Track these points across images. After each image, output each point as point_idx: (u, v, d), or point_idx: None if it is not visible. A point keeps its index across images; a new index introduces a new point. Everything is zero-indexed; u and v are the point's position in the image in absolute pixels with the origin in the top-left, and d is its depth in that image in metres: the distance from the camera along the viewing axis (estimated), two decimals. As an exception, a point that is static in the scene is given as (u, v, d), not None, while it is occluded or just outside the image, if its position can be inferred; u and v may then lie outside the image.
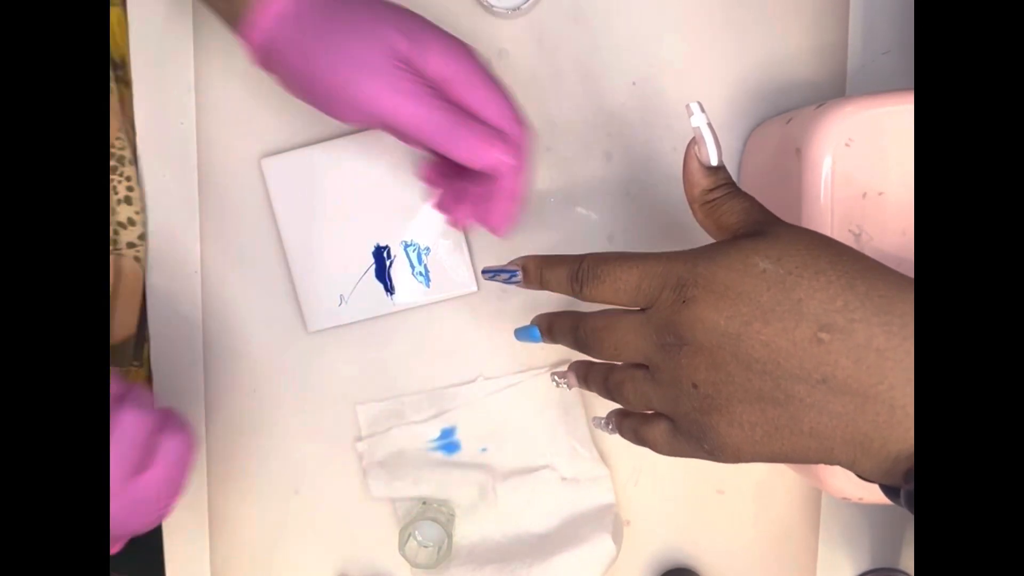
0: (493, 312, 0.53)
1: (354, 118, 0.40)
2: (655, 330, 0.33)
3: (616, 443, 0.53)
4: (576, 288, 0.36)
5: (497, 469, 0.53)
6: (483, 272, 0.40)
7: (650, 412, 0.36)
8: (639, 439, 0.36)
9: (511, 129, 0.41)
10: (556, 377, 0.42)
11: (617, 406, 0.39)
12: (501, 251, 0.52)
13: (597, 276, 0.35)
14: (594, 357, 0.37)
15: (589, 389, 0.39)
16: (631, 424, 0.37)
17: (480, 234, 0.52)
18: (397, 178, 0.51)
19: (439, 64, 0.40)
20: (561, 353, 0.53)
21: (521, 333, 0.42)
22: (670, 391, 0.33)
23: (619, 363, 0.36)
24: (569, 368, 0.41)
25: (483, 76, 0.40)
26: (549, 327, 0.39)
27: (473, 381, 0.53)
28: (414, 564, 0.50)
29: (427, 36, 0.40)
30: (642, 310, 0.34)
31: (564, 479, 0.53)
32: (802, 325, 0.29)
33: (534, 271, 0.38)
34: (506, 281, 0.39)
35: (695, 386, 0.32)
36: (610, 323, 0.35)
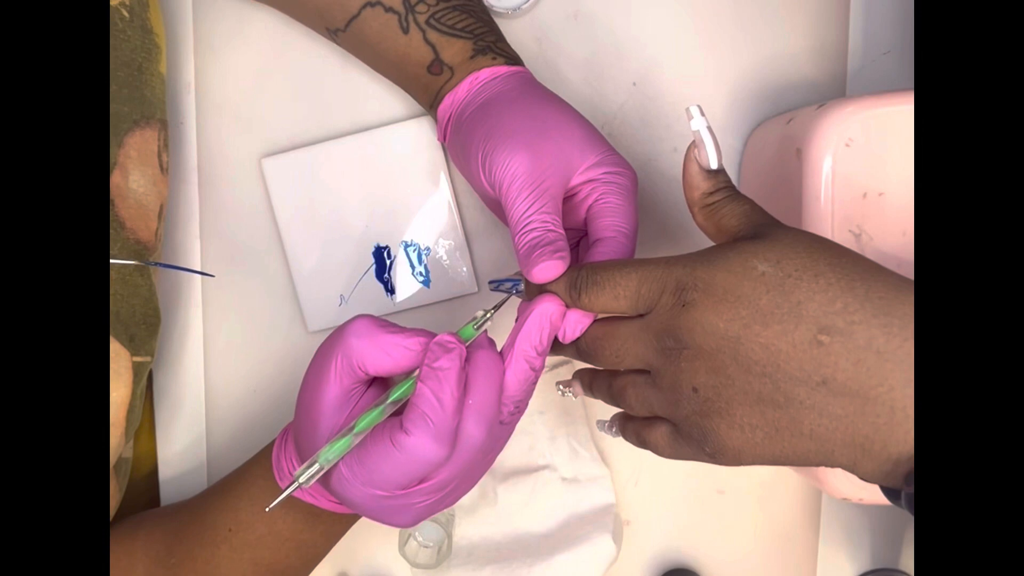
0: (493, 312, 0.53)
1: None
2: (655, 335, 0.33)
3: (616, 443, 0.53)
4: (575, 296, 0.35)
5: (497, 469, 0.53)
6: (489, 283, 0.41)
7: (652, 416, 0.36)
8: (641, 442, 0.36)
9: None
10: (562, 387, 0.42)
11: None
12: (501, 253, 0.52)
13: (596, 282, 0.35)
14: (596, 365, 0.37)
15: (595, 397, 0.39)
16: (634, 428, 0.37)
17: (480, 236, 0.52)
18: (397, 178, 0.51)
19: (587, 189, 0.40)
20: (561, 353, 0.53)
21: None
22: (671, 395, 0.33)
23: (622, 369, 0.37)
24: (574, 377, 0.41)
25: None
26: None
27: (473, 381, 0.53)
28: (414, 564, 0.50)
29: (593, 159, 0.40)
30: (640, 316, 0.34)
31: (564, 479, 0.53)
32: (801, 327, 0.29)
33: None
34: (509, 291, 0.39)
35: (695, 390, 0.32)
36: (610, 331, 0.35)
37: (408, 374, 0.36)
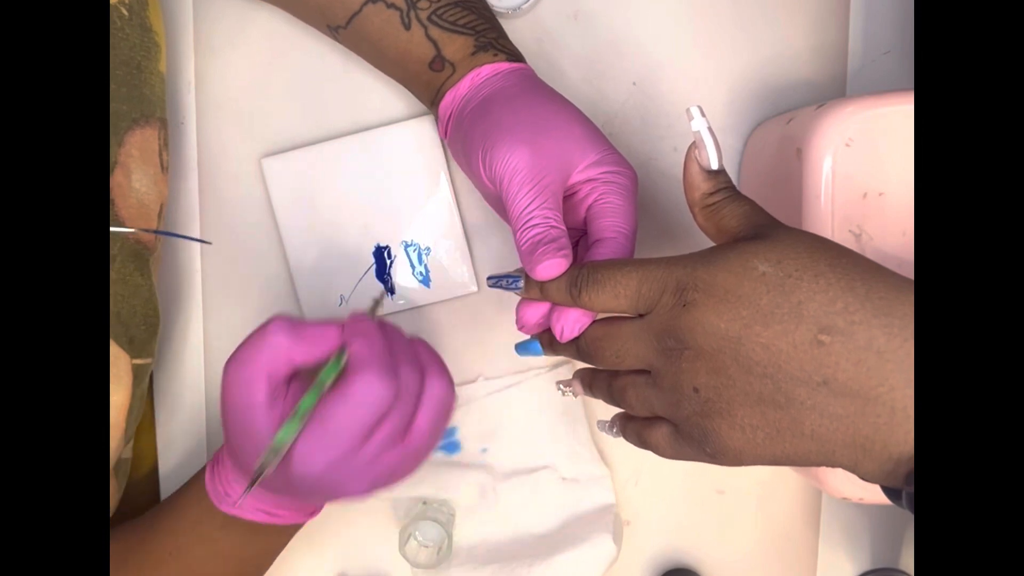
0: (493, 312, 0.53)
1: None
2: (655, 335, 0.33)
3: (616, 443, 0.53)
4: (575, 294, 0.35)
5: (497, 469, 0.53)
6: (488, 279, 0.41)
7: (653, 416, 0.36)
8: (642, 443, 0.36)
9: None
10: (562, 386, 0.42)
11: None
12: (501, 253, 0.52)
13: (597, 281, 0.34)
14: (596, 366, 0.37)
15: (595, 396, 0.39)
16: (634, 428, 0.37)
17: (480, 235, 0.52)
18: (397, 178, 0.51)
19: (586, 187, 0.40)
20: (561, 353, 0.53)
21: (522, 348, 0.42)
22: (671, 395, 0.33)
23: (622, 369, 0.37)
24: (574, 376, 0.41)
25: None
26: (550, 340, 0.40)
27: (473, 381, 0.53)
28: (414, 564, 0.50)
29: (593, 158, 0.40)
30: (640, 316, 0.34)
31: (564, 479, 0.53)
32: (802, 327, 0.29)
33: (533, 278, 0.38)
34: (507, 287, 0.39)
35: (696, 390, 0.32)
36: (610, 331, 0.35)
37: (333, 357, 0.37)
